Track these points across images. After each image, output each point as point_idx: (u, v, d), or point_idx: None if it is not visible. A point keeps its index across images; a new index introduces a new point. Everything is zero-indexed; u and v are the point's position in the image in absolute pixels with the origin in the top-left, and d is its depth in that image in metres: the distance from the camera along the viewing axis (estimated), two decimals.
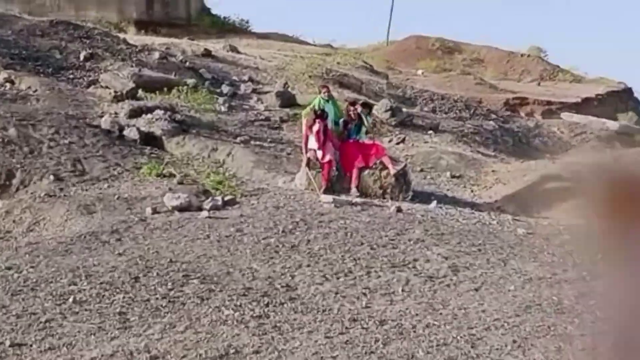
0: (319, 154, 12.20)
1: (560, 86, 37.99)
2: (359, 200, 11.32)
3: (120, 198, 10.87)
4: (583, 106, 32.45)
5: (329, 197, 11.11)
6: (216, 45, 25.41)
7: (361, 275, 7.83)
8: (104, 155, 12.85)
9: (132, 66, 19.10)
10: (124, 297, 6.75)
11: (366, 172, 12.22)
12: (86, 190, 11.38)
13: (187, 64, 21.12)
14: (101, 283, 7.15)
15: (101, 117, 15.10)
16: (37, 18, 21.21)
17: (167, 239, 8.96)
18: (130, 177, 12.07)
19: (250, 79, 21.59)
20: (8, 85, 16.66)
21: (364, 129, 12.68)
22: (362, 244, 9.05)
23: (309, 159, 12.30)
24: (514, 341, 6.14)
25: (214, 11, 34.59)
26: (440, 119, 22.09)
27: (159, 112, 15.15)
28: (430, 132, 20.19)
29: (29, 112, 14.17)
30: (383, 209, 10.97)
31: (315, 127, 12.13)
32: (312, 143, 12.21)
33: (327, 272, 7.86)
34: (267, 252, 8.48)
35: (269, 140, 16.29)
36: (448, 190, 14.75)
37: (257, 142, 15.67)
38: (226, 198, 10.93)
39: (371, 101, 14.64)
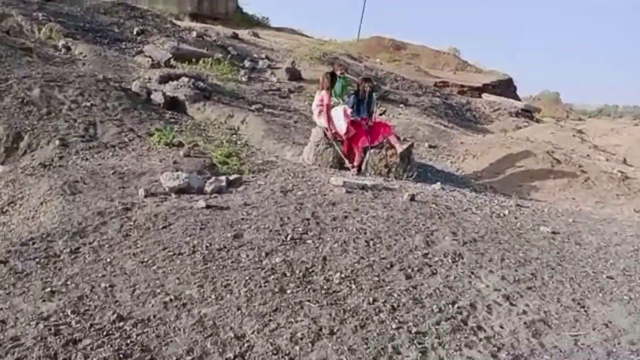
0: (343, 129, 6.93)
1: (468, 75, 33.43)
2: (368, 182, 6.09)
3: (116, 173, 5.58)
4: (483, 89, 28.26)
5: (340, 180, 5.92)
6: (243, 32, 19.53)
7: None
8: (122, 119, 7.46)
9: (174, 42, 13.43)
10: None
11: (372, 150, 7.00)
12: (86, 159, 6.07)
13: (219, 42, 15.38)
14: None
15: (139, 81, 9.68)
16: None
17: (139, 252, 3.75)
18: (140, 144, 6.72)
19: (267, 57, 15.96)
20: (63, 50, 11.09)
21: (373, 107, 7.42)
22: (392, 265, 3.93)
23: (334, 134, 7.04)
24: None
25: (244, 9, 28.42)
26: (406, 95, 16.72)
27: (184, 79, 9.65)
28: (402, 105, 14.85)
29: (62, 74, 8.63)
30: (395, 196, 5.78)
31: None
32: (340, 118, 6.90)
33: (361, 353, 2.80)
34: (268, 291, 3.31)
35: (279, 108, 10.88)
36: (431, 160, 9.57)
37: (269, 110, 10.27)
38: (232, 177, 5.69)
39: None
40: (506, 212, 5.99)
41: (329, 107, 6.93)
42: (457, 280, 3.81)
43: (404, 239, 4.48)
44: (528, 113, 21.32)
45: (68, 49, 11.21)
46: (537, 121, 20.36)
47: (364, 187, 5.89)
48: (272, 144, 7.76)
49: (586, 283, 4.11)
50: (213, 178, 5.51)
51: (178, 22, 16.43)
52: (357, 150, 6.87)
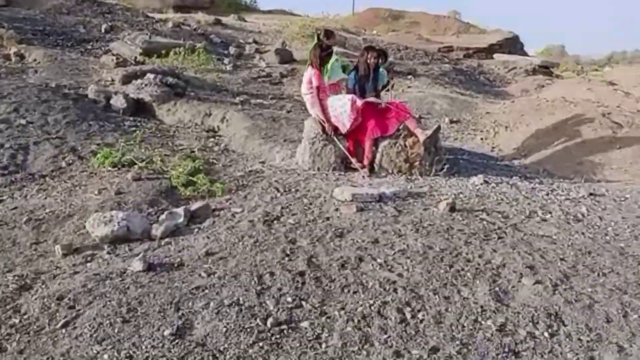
0: (347, 125, 5.12)
1: (472, 37, 31.07)
2: (386, 190, 4.28)
3: (32, 220, 3.83)
4: (489, 50, 26.07)
5: (347, 192, 4.10)
6: (228, 18, 17.60)
7: None
8: (64, 136, 5.70)
9: (146, 35, 11.59)
10: None
11: (386, 141, 5.15)
12: (0, 201, 4.37)
13: (199, 30, 13.49)
14: None
15: (97, 85, 7.96)
16: None
17: None
18: (80, 169, 4.95)
19: (254, 41, 14.07)
20: (14, 59, 9.35)
21: (381, 84, 5.57)
22: None
23: (334, 128, 5.18)
24: None
25: None
26: (413, 65, 14.71)
27: (150, 76, 7.83)
28: (410, 77, 12.89)
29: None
30: (427, 207, 3.97)
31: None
32: (345, 111, 5.05)
33: None
34: None
35: (269, 97, 9.05)
36: (457, 140, 7.70)
37: (258, 101, 8.47)
38: (194, 207, 3.91)
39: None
40: (584, 209, 4.15)
41: (321, 91, 5.07)
42: None
43: (458, 292, 2.70)
44: (545, 69, 19.13)
45: (22, 56, 9.46)
46: (557, 77, 18.22)
47: (381, 198, 4.09)
48: (258, 145, 5.95)
49: None
50: (166, 212, 3.75)
51: (153, 15, 14.53)
52: (366, 144, 5.04)
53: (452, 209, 3.89)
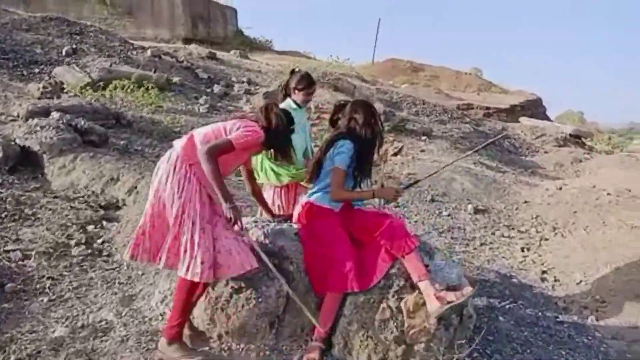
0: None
1: (494, 96, 28.88)
2: None
3: None
4: (510, 111, 23.87)
5: None
6: (226, 53, 15.45)
7: None
8: None
9: (110, 62, 9.30)
10: None
11: (361, 297, 2.52)
12: None
13: (185, 63, 11.21)
14: None
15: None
16: (29, 14, 11.21)
17: None
18: None
19: (249, 81, 11.74)
20: None
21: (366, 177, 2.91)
22: None
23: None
24: None
25: (245, 33, 24.42)
26: (429, 123, 12.19)
27: (55, 115, 5.39)
28: (424, 138, 10.32)
29: None
30: None
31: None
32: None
33: None
34: None
35: None
36: (483, 244, 5.00)
37: None
38: None
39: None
40: None
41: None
42: None
43: None
44: (577, 138, 16.52)
45: None
46: (590, 149, 15.59)
47: None
48: None
49: None
50: None
51: (135, 41, 12.34)
52: (326, 299, 2.40)
53: None
